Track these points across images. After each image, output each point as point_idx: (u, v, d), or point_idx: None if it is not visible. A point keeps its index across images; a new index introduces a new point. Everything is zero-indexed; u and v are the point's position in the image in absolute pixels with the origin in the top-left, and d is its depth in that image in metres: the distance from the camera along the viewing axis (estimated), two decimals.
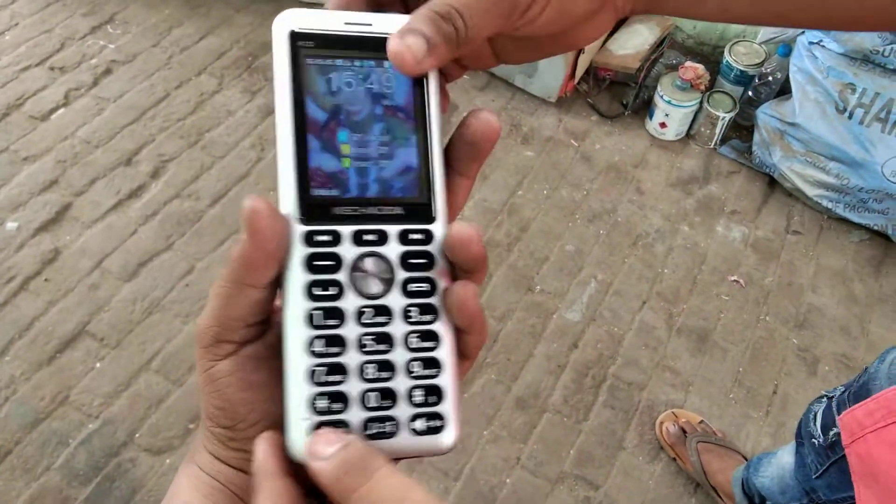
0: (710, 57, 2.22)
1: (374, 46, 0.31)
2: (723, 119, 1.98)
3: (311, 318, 0.29)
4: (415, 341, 0.30)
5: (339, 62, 0.31)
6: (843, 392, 0.80)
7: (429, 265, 0.31)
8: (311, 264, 0.29)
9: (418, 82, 0.32)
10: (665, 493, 1.48)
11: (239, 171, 1.86)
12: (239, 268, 0.29)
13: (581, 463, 1.50)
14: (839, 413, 0.69)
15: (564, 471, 1.49)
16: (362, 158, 0.31)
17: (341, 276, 0.30)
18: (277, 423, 0.30)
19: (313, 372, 0.29)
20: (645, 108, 2.12)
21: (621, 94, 2.16)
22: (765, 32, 2.05)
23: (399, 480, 0.26)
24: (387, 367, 0.30)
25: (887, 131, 1.75)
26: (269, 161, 1.90)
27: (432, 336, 0.30)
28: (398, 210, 0.31)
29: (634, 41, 2.16)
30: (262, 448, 0.28)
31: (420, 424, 0.30)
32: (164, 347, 1.57)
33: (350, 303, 0.30)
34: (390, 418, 0.29)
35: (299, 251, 0.29)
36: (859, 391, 0.70)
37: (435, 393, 0.30)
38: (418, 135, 0.32)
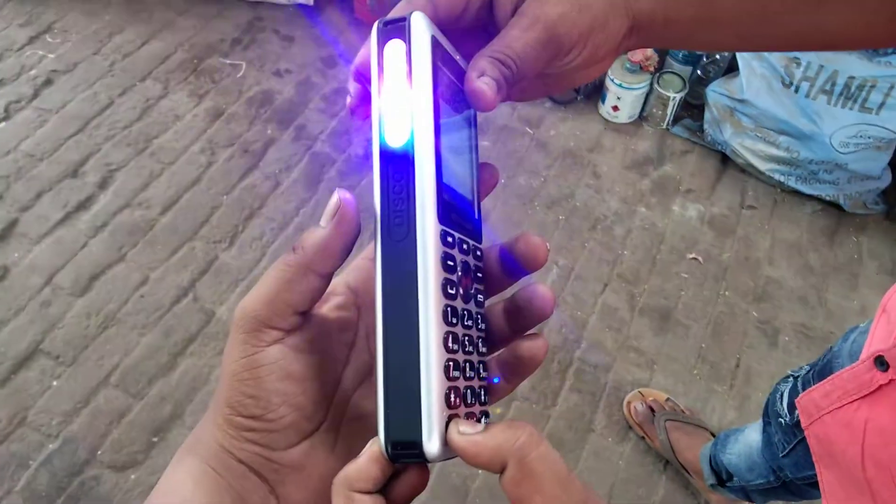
0: None
1: (458, 74, 0.33)
2: (673, 99, 2.00)
3: (446, 314, 0.29)
4: (481, 348, 0.33)
5: (450, 81, 0.32)
6: (808, 371, 0.81)
7: (483, 282, 0.34)
8: (446, 263, 0.29)
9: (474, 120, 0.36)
10: (635, 472, 1.49)
11: (190, 177, 1.83)
12: (313, 254, 0.30)
13: None
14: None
15: None
16: (457, 173, 0.32)
17: (457, 277, 0.31)
18: (304, 418, 0.31)
19: (448, 367, 0.29)
20: (597, 92, 2.13)
21: None
22: None
23: (558, 456, 0.28)
24: (482, 367, 0.33)
25: (833, 103, 1.78)
26: (220, 165, 1.86)
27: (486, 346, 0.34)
28: (470, 227, 0.33)
29: None
30: (372, 453, 0.28)
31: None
32: (122, 361, 1.53)
33: (460, 304, 0.31)
34: (487, 413, 0.32)
35: (435, 248, 0.29)
36: (823, 370, 0.71)
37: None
38: (474, 157, 0.36)
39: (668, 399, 1.55)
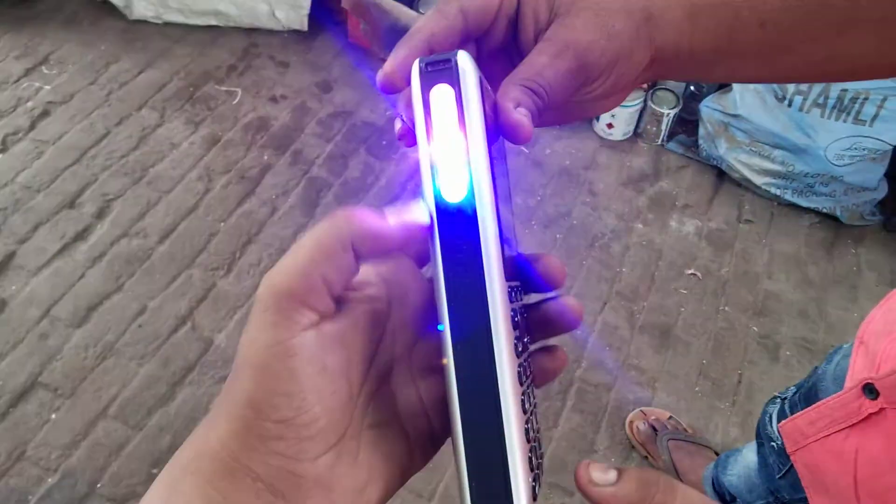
0: None
1: (490, 104, 0.31)
2: (667, 115, 2.00)
3: (519, 375, 0.28)
4: (534, 398, 0.32)
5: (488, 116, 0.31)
6: (795, 393, 0.80)
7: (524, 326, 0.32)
8: (514, 321, 0.28)
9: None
10: None
11: (187, 205, 1.83)
12: (363, 232, 0.27)
13: (554, 470, 1.49)
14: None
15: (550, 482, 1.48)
16: (500, 210, 0.30)
17: (519, 333, 0.30)
18: (335, 425, 0.27)
19: (527, 430, 0.28)
20: None
21: None
22: None
23: (699, 495, 0.26)
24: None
25: (826, 116, 1.78)
26: (217, 192, 1.87)
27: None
28: (514, 272, 0.31)
29: None
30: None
31: None
32: (120, 392, 1.53)
33: (523, 359, 0.30)
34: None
35: (504, 309, 0.27)
36: (808, 393, 0.70)
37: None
38: (508, 195, 0.34)
39: (670, 417, 1.54)
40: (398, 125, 0.34)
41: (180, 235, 1.77)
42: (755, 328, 1.74)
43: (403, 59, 0.32)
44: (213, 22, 2.24)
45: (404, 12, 2.07)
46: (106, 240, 1.75)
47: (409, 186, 1.94)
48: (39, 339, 1.59)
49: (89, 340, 1.59)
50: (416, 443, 0.31)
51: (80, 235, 1.75)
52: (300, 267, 0.26)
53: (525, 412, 0.28)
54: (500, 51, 0.37)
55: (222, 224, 1.81)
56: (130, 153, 1.92)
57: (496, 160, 0.30)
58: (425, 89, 0.28)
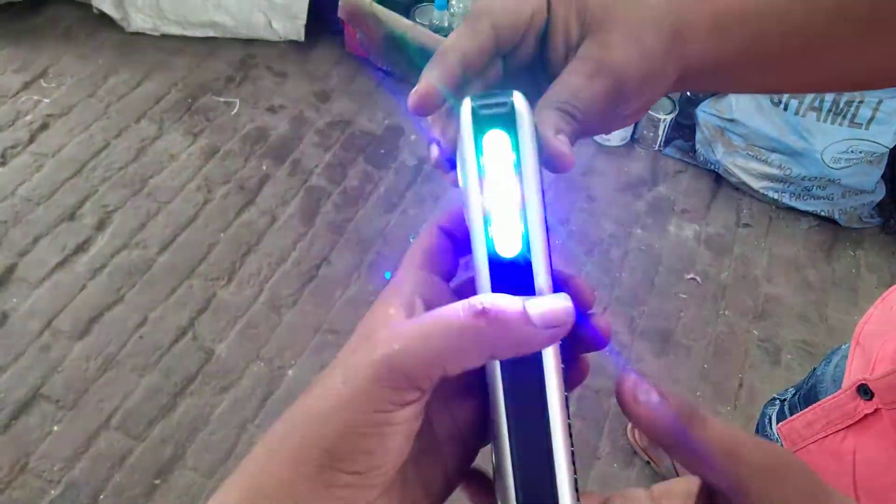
0: None
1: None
2: (664, 121, 2.01)
3: (567, 403, 0.28)
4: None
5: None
6: (794, 395, 0.80)
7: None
8: (563, 379, 0.28)
9: None
10: None
11: (187, 215, 1.84)
12: (506, 339, 0.26)
13: None
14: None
15: None
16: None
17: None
18: (402, 475, 0.28)
19: (573, 457, 0.28)
20: None
21: None
22: None
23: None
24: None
25: (822, 119, 1.79)
26: (216, 202, 1.87)
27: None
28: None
29: None
30: None
31: None
32: (122, 404, 1.53)
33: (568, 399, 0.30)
34: None
35: (555, 357, 0.27)
36: (807, 395, 0.71)
37: None
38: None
39: None
40: (435, 151, 0.32)
41: (180, 246, 1.78)
42: (755, 332, 1.74)
43: (437, 79, 0.31)
44: (211, 33, 2.25)
45: (401, 22, 2.08)
46: (106, 251, 1.75)
47: (408, 195, 1.94)
48: (41, 351, 1.59)
49: (90, 352, 1.59)
50: (452, 469, 0.31)
51: (81, 247, 1.76)
52: (428, 357, 0.26)
53: (571, 443, 0.28)
54: (525, 67, 0.35)
55: (222, 234, 1.81)
56: (129, 165, 1.93)
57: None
58: (478, 132, 0.26)
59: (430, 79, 0.31)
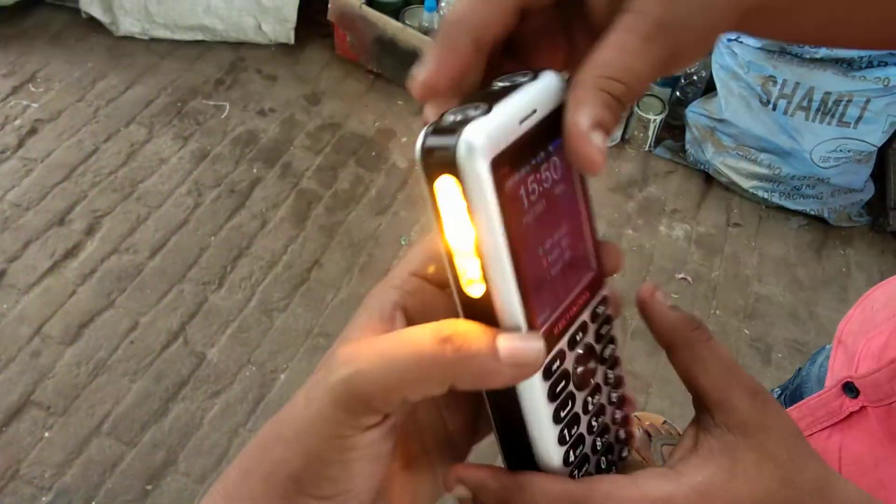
0: None
1: (547, 135, 0.26)
2: (654, 121, 2.02)
3: (555, 422, 0.29)
4: (615, 401, 0.33)
5: (526, 170, 0.26)
6: (780, 395, 0.81)
7: (611, 324, 0.32)
8: (553, 393, 0.28)
9: None
10: None
11: (177, 219, 1.83)
12: (468, 371, 0.25)
13: None
14: None
15: None
16: (558, 261, 0.28)
17: (571, 385, 0.30)
18: (373, 492, 0.27)
19: (567, 459, 0.30)
20: None
21: None
22: None
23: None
24: (606, 431, 0.33)
25: (811, 119, 1.80)
26: (206, 206, 1.87)
27: (622, 396, 0.34)
28: (586, 293, 0.30)
29: None
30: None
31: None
32: (113, 409, 1.52)
33: (579, 399, 0.30)
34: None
35: (541, 387, 0.28)
36: (794, 394, 0.71)
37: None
38: (581, 207, 0.30)
39: (664, 422, 1.54)
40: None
41: (171, 250, 1.77)
42: (746, 331, 1.75)
43: (440, 63, 0.27)
44: (200, 37, 2.25)
45: (390, 24, 2.08)
46: (96, 256, 1.74)
47: (400, 197, 1.94)
48: (31, 357, 1.58)
49: (81, 358, 1.59)
50: (443, 471, 0.31)
51: (71, 252, 1.75)
52: (388, 383, 0.25)
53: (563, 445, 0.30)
54: (554, 21, 0.29)
55: (213, 238, 1.81)
56: (119, 169, 1.92)
57: (556, 191, 0.28)
58: (429, 174, 0.25)
59: (434, 63, 0.27)
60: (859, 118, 1.76)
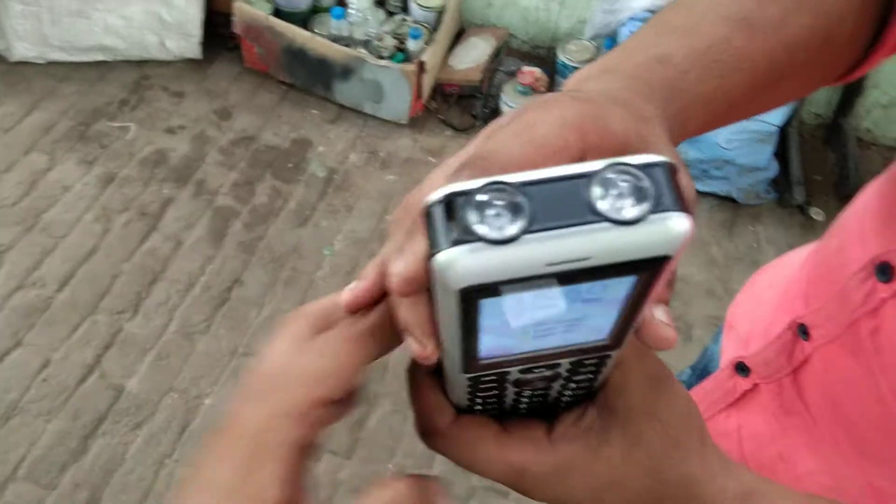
0: (546, 59, 2.30)
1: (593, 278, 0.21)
2: None
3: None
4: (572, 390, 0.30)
5: (531, 300, 0.22)
6: (691, 375, 0.83)
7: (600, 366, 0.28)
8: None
9: None
10: None
11: (85, 248, 1.76)
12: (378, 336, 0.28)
13: None
14: None
15: (473, 485, 1.49)
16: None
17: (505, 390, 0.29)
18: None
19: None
20: (495, 116, 2.16)
21: (470, 107, 2.19)
22: (591, 28, 2.14)
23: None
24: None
25: None
26: (116, 232, 1.80)
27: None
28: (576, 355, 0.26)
29: (473, 54, 2.21)
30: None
31: None
32: (29, 452, 1.45)
33: (510, 393, 0.29)
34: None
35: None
36: (702, 374, 0.72)
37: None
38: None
39: None
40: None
41: (80, 281, 1.70)
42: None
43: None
44: (100, 57, 2.17)
45: (299, 34, 2.05)
46: (0, 294, 1.66)
47: (320, 207, 1.92)
48: None
49: None
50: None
51: None
52: (323, 371, 0.28)
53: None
54: None
55: (125, 265, 1.74)
56: (21, 200, 1.84)
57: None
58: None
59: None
60: None
